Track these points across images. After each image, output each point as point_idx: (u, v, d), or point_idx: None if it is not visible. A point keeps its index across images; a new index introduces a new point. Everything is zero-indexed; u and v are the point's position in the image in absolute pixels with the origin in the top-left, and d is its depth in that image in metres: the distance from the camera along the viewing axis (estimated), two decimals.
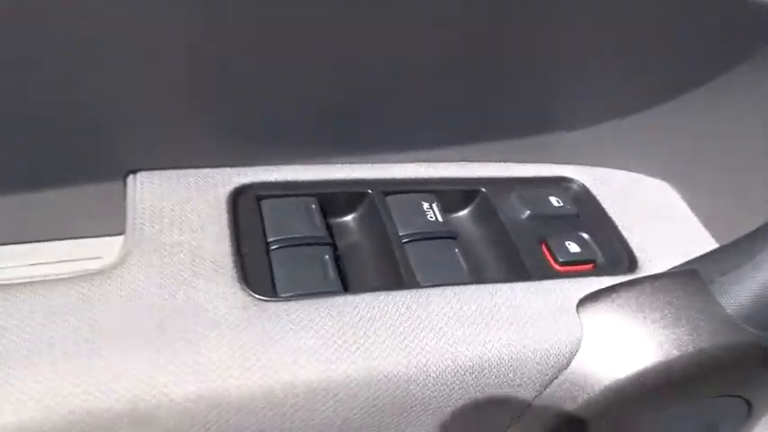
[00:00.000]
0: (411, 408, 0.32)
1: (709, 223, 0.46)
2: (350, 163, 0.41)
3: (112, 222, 0.37)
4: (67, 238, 0.38)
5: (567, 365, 0.34)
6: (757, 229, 0.36)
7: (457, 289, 0.35)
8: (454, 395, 0.33)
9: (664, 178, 0.48)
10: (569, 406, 0.35)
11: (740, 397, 0.37)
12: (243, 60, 0.34)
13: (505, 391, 0.33)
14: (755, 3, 0.38)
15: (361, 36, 0.35)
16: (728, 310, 0.34)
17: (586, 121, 0.44)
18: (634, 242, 0.41)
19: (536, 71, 0.40)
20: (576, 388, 0.34)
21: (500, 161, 0.44)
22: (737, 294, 0.34)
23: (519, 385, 0.33)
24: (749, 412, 0.39)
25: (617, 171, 0.47)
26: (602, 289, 0.36)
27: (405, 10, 0.34)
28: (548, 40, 0.38)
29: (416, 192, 0.41)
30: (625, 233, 0.42)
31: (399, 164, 0.42)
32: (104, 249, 0.37)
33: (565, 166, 0.45)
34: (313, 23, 0.34)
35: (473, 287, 0.35)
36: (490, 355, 0.32)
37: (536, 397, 0.35)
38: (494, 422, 0.35)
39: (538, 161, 0.45)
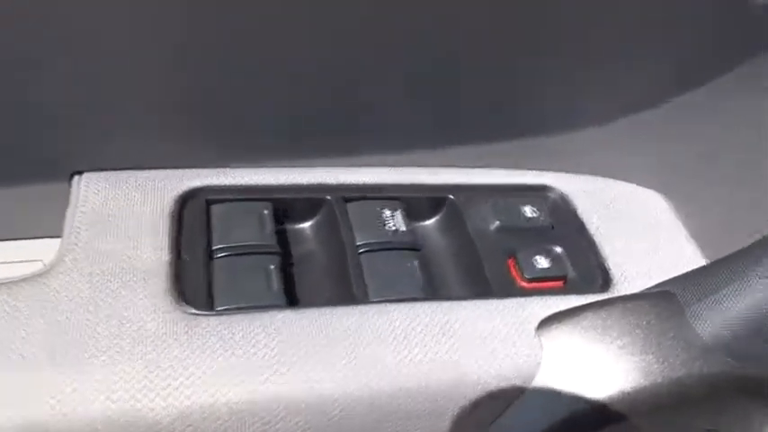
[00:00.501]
0: None
1: (702, 240, 0.43)
2: (311, 166, 0.39)
3: (57, 224, 0.36)
4: (8, 240, 0.36)
5: (524, 391, 0.32)
6: (740, 251, 0.33)
7: (408, 306, 0.33)
8: (393, 420, 0.30)
9: (658, 189, 0.45)
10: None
11: (715, 430, 0.35)
12: (199, 60, 0.33)
13: (451, 416, 0.31)
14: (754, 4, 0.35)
15: (326, 36, 0.33)
16: (704, 338, 0.32)
17: (572, 125, 0.41)
18: (612, 258, 0.39)
19: (518, 72, 0.37)
20: (533, 415, 0.32)
21: (475, 167, 0.42)
22: (714, 321, 0.32)
23: (466, 410, 0.31)
24: None
25: (605, 180, 0.44)
26: (568, 309, 0.34)
27: (378, 11, 0.32)
28: (530, 39, 0.36)
29: (380, 198, 0.39)
30: (603, 248, 0.39)
31: (364, 168, 0.40)
32: (46, 252, 0.36)
33: (547, 173, 0.43)
34: (271, 22, 0.32)
35: (426, 304, 0.33)
36: (435, 378, 0.30)
37: (488, 425, 0.32)
38: None
39: (518, 167, 0.43)
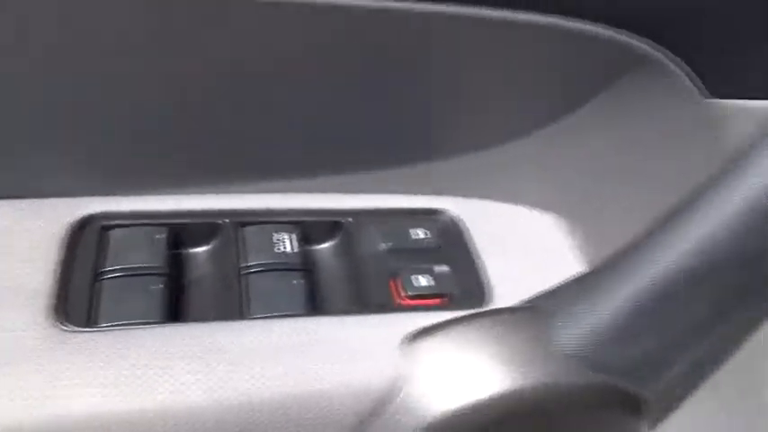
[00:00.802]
0: None
1: (593, 258, 0.45)
2: (211, 193, 0.41)
3: None
4: None
5: (393, 400, 0.34)
6: (603, 263, 0.35)
7: (284, 321, 0.35)
8: (262, 429, 0.32)
9: (554, 211, 0.47)
10: None
11: None
12: (99, 92, 0.35)
13: (313, 428, 0.32)
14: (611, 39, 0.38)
15: (219, 61, 0.36)
16: (564, 349, 0.33)
17: (468, 150, 0.43)
18: (496, 278, 0.41)
19: (414, 99, 0.40)
20: (400, 423, 0.34)
21: (374, 192, 0.44)
22: (573, 333, 0.33)
23: (330, 421, 0.33)
24: None
25: (498, 203, 0.46)
26: (440, 322, 0.36)
27: (272, 38, 0.35)
28: (422, 67, 0.38)
29: (276, 223, 0.41)
30: (488, 268, 0.41)
31: (263, 194, 0.42)
32: None
33: (441, 197, 0.45)
34: (161, 53, 0.34)
35: (301, 319, 0.35)
36: (296, 390, 0.32)
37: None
38: None
39: (417, 192, 0.45)
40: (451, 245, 0.42)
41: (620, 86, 0.39)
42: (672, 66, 0.37)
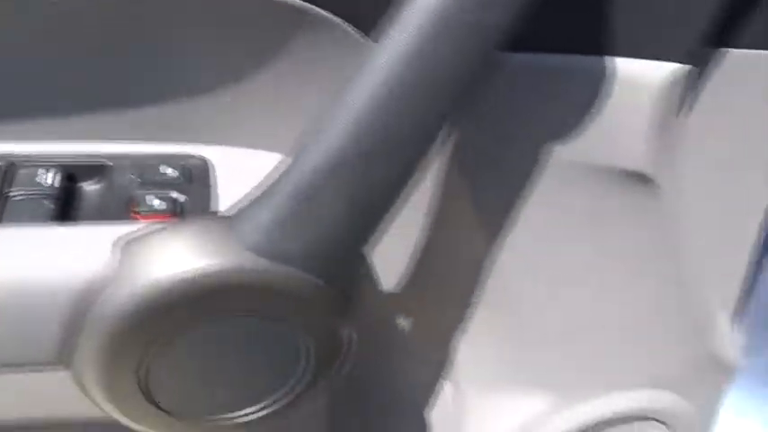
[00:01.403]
0: None
1: None
2: None
3: None
4: None
5: (104, 291, 0.41)
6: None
7: (22, 228, 0.43)
8: None
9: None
10: (116, 323, 0.42)
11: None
12: None
13: (33, 316, 0.41)
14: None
15: None
16: (242, 243, 0.42)
17: (220, 97, 0.52)
18: (226, 205, 0.49)
19: (165, 50, 0.49)
20: (106, 312, 0.41)
21: (136, 140, 0.53)
22: (247, 229, 0.42)
23: (48, 308, 0.40)
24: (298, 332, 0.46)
25: (252, 150, 0.55)
26: (151, 226, 0.44)
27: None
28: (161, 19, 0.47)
29: (44, 164, 0.50)
30: (222, 199, 0.50)
31: (38, 142, 0.51)
32: None
33: (197, 145, 0.54)
34: None
35: (39, 227, 0.44)
36: (20, 281, 0.40)
37: (78, 320, 0.41)
38: (36, 349, 0.42)
39: (174, 141, 0.54)
40: (194, 181, 0.51)
41: (308, 41, 0.49)
42: (342, 23, 0.47)
